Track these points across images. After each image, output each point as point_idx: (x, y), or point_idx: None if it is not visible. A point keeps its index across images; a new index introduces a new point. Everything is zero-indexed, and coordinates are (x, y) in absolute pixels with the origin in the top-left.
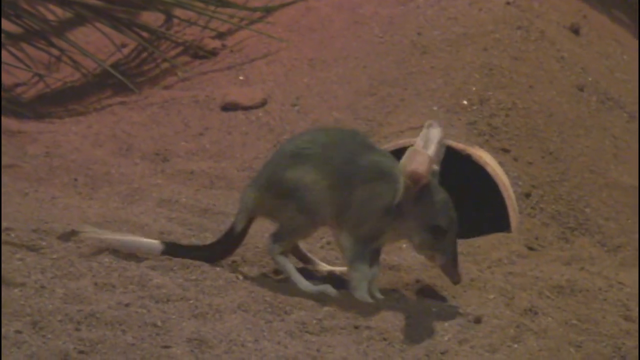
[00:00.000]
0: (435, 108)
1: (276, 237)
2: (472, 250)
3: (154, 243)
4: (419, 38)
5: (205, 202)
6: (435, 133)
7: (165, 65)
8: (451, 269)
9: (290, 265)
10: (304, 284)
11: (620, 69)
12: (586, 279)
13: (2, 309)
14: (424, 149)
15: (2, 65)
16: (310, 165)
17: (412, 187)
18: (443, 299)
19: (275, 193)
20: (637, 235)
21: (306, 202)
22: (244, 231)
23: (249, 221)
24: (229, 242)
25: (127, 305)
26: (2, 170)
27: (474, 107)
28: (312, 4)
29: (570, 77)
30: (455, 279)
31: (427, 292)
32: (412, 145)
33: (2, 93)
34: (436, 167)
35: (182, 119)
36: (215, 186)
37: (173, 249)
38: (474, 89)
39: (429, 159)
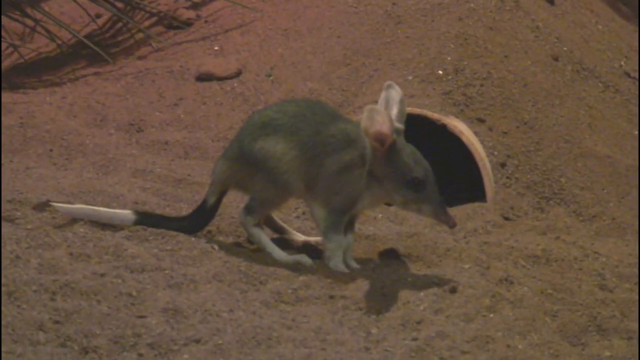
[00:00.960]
0: (410, 78)
1: (248, 209)
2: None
3: (126, 213)
4: (393, 8)
5: (179, 173)
6: (394, 93)
7: (140, 35)
8: (443, 215)
9: (264, 236)
10: (279, 254)
11: (595, 38)
12: (561, 249)
13: None
14: (385, 109)
15: None
16: (279, 135)
17: (379, 149)
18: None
19: (245, 164)
20: (612, 205)
21: (276, 173)
22: (217, 203)
23: (222, 193)
24: (202, 214)
25: (102, 275)
26: None
27: (449, 77)
28: None
29: (545, 46)
30: (451, 223)
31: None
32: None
33: None
34: (400, 126)
35: (157, 89)
36: (189, 156)
37: (146, 219)
38: (448, 58)
39: (389, 117)
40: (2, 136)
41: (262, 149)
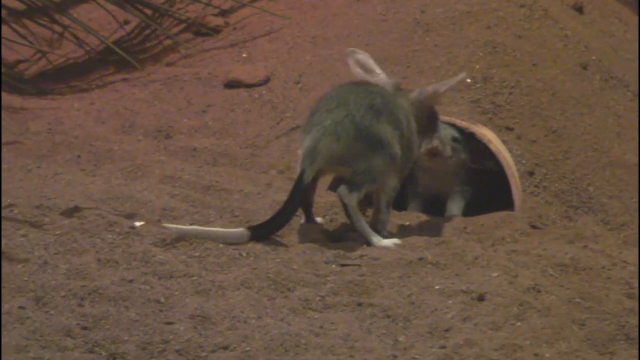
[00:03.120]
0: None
1: (352, 187)
2: (476, 229)
3: (241, 231)
4: (422, 16)
5: (208, 179)
6: (362, 56)
7: (168, 42)
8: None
9: (362, 219)
10: (376, 238)
11: (624, 47)
12: (589, 257)
13: (6, 285)
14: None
15: (4, 42)
16: (385, 118)
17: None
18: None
19: (366, 144)
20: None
21: (393, 154)
22: (315, 182)
23: (319, 172)
24: (299, 194)
25: (130, 281)
26: (4, 147)
27: (478, 85)
28: None
29: (573, 55)
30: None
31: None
32: None
33: (4, 69)
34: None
35: (185, 96)
36: (218, 163)
37: (259, 232)
38: (477, 66)
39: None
40: (30, 142)
41: (382, 131)
